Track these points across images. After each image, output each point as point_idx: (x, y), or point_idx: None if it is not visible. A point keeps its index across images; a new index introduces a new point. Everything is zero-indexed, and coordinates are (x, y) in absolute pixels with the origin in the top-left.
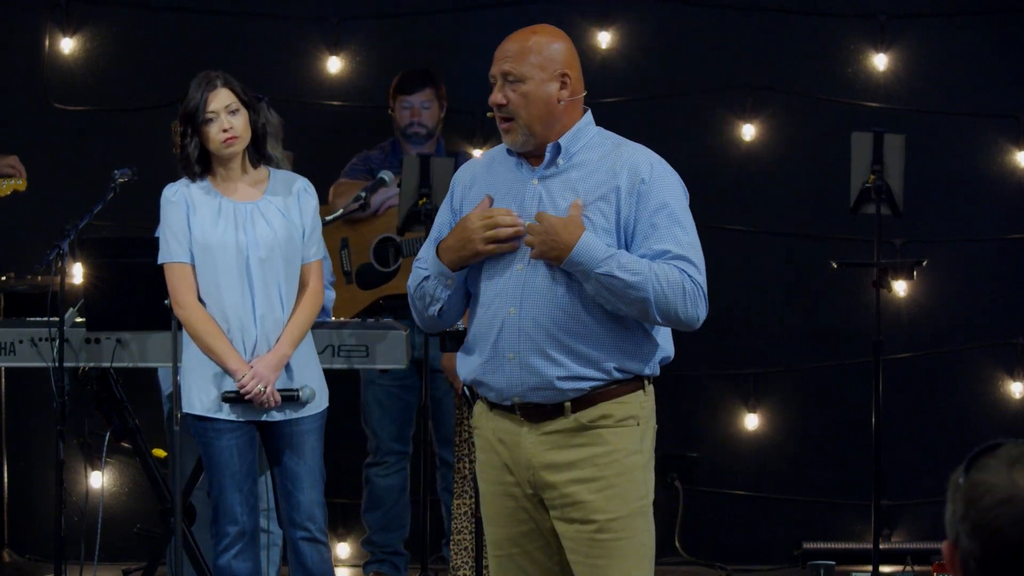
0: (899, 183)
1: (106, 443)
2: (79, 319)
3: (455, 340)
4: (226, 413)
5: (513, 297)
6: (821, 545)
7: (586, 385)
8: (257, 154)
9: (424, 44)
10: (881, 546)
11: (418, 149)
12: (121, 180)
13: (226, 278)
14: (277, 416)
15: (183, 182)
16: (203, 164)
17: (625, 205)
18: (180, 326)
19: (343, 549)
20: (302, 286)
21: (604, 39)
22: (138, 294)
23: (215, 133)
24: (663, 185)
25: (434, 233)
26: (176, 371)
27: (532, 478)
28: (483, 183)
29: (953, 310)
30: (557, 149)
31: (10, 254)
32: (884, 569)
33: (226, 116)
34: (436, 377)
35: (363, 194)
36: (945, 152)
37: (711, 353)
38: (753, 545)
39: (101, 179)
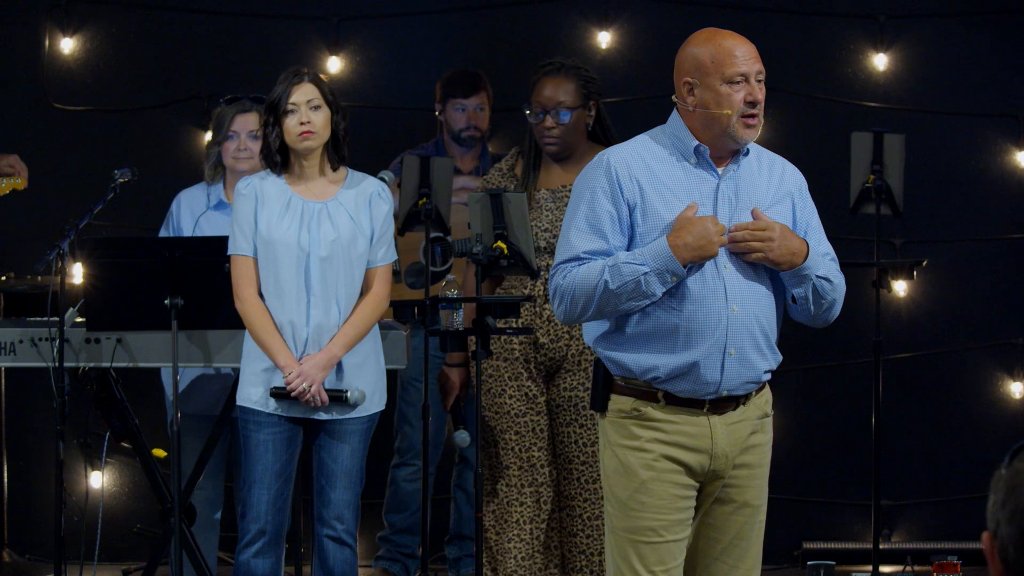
0: (899, 183)
1: (106, 443)
2: (79, 319)
3: (456, 340)
4: (273, 408)
5: (733, 295)
6: (821, 545)
7: (769, 376)
8: (337, 156)
9: (424, 44)
10: (881, 546)
11: (469, 152)
12: (121, 180)
13: (285, 275)
14: (324, 416)
15: (258, 175)
16: (283, 157)
17: (799, 209)
18: (179, 326)
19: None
20: (366, 289)
21: (604, 39)
22: (138, 294)
23: (293, 125)
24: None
25: (591, 222)
26: (176, 372)
27: (717, 467)
28: (654, 177)
29: (953, 310)
30: (746, 151)
31: (10, 254)
32: (884, 569)
33: (306, 110)
34: None
35: None
36: (945, 152)
37: None
38: None
39: (101, 179)
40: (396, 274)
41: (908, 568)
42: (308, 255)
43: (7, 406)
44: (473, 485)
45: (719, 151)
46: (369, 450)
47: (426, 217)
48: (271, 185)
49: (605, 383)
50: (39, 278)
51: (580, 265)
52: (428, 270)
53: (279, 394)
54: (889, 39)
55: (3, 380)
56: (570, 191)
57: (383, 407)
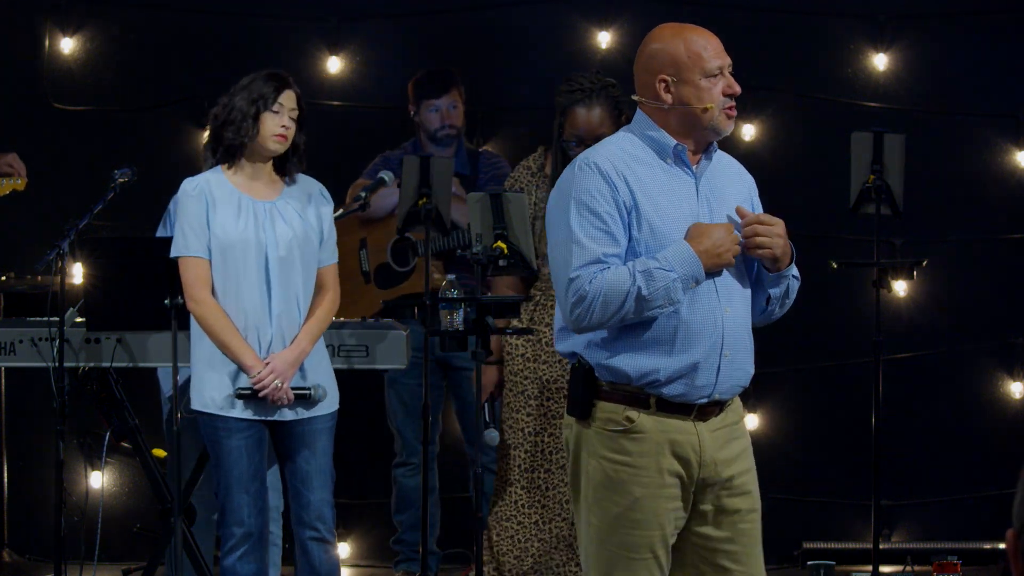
0: (899, 183)
1: (106, 443)
2: (79, 319)
3: (456, 341)
4: (239, 411)
5: (724, 296)
6: (821, 545)
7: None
8: (297, 167)
9: (423, 44)
10: (881, 546)
11: (446, 151)
12: (121, 180)
13: (245, 276)
14: (289, 415)
15: (203, 177)
16: (242, 153)
17: (757, 208)
18: (180, 326)
19: (343, 549)
20: (320, 288)
21: (604, 39)
22: (138, 294)
23: (273, 125)
24: None
25: (599, 226)
26: (176, 372)
27: (706, 474)
28: (639, 181)
29: (953, 310)
30: (715, 147)
31: (10, 254)
32: (884, 569)
33: (287, 115)
34: (462, 375)
35: (363, 194)
36: (945, 152)
37: None
38: None
39: (101, 179)
40: (366, 275)
41: (908, 568)
42: (267, 255)
43: (7, 406)
44: (472, 485)
45: (694, 148)
46: (371, 451)
47: (426, 217)
48: (217, 186)
49: (588, 388)
50: (39, 278)
51: (604, 270)
52: (427, 271)
53: (245, 395)
54: (889, 39)
55: (3, 380)
56: None
57: (338, 404)
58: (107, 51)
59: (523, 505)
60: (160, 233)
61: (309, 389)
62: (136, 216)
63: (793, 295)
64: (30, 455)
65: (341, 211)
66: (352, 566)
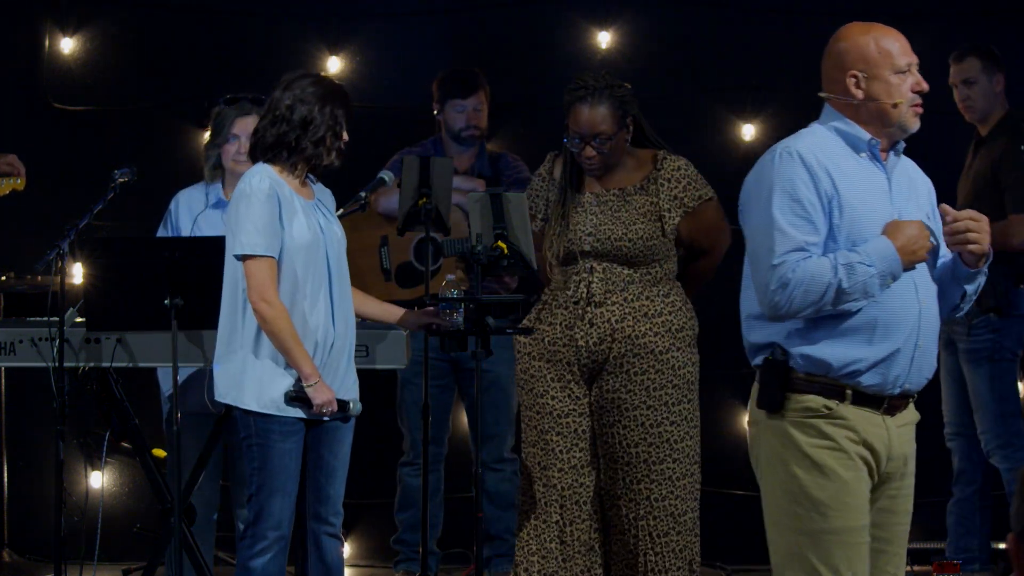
0: None
1: (106, 443)
2: (79, 319)
3: (456, 341)
4: (298, 412)
5: (921, 289)
6: None
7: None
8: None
9: (423, 44)
10: None
11: (467, 151)
12: (121, 180)
13: (316, 277)
14: (326, 416)
15: (266, 174)
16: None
17: (935, 209)
18: (180, 326)
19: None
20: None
21: (604, 39)
22: (138, 294)
23: (341, 143)
24: None
25: (800, 213)
26: (176, 371)
27: (889, 468)
28: (840, 171)
29: None
30: (902, 145)
31: (10, 254)
32: None
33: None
34: (473, 376)
35: (363, 194)
36: (944, 152)
37: (711, 353)
38: (753, 545)
39: (101, 179)
40: (387, 272)
41: (908, 568)
42: (327, 256)
43: (7, 406)
44: (473, 485)
45: (884, 144)
46: (371, 452)
47: (426, 217)
48: (278, 185)
49: (780, 381)
50: (39, 278)
51: (806, 258)
52: (427, 270)
53: (302, 397)
54: None
55: (3, 380)
56: (614, 195)
57: None
58: (107, 51)
59: (545, 504)
60: (160, 233)
61: (348, 401)
62: (136, 216)
63: (979, 291)
64: (30, 455)
65: (341, 211)
66: (352, 566)
